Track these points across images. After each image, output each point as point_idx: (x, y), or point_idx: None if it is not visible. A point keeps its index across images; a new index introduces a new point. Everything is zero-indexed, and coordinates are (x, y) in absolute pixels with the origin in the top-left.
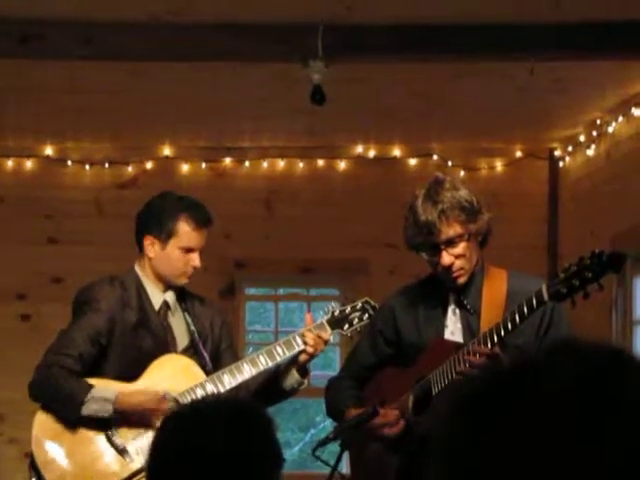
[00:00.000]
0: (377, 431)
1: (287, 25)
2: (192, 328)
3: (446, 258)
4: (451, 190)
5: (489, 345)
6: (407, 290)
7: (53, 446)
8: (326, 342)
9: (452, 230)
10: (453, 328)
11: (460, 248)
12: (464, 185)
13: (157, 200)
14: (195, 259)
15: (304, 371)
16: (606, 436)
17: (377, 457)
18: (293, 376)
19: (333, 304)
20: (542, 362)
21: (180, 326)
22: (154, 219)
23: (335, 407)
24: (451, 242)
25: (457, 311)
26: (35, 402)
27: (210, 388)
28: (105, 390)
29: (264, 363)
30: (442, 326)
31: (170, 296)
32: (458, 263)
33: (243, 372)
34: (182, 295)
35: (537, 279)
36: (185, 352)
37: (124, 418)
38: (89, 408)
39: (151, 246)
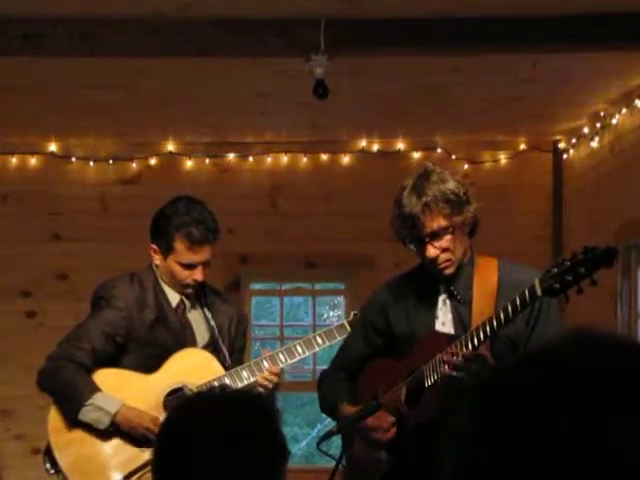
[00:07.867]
0: (369, 433)
1: (289, 19)
2: (212, 324)
3: (431, 251)
4: (437, 183)
5: (482, 338)
6: (397, 281)
7: (69, 431)
8: (277, 374)
9: (435, 223)
10: (444, 319)
11: (445, 241)
12: (453, 176)
13: (165, 210)
14: (196, 273)
15: None
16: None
17: (366, 450)
18: None
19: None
20: (565, 351)
21: (200, 322)
22: (157, 231)
23: (328, 401)
24: (435, 235)
25: (447, 301)
26: (41, 391)
27: (228, 383)
28: (108, 401)
29: (283, 361)
30: (433, 317)
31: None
32: (443, 256)
33: (262, 369)
34: (202, 290)
35: (528, 268)
36: (206, 348)
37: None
38: (88, 415)
39: (155, 254)
